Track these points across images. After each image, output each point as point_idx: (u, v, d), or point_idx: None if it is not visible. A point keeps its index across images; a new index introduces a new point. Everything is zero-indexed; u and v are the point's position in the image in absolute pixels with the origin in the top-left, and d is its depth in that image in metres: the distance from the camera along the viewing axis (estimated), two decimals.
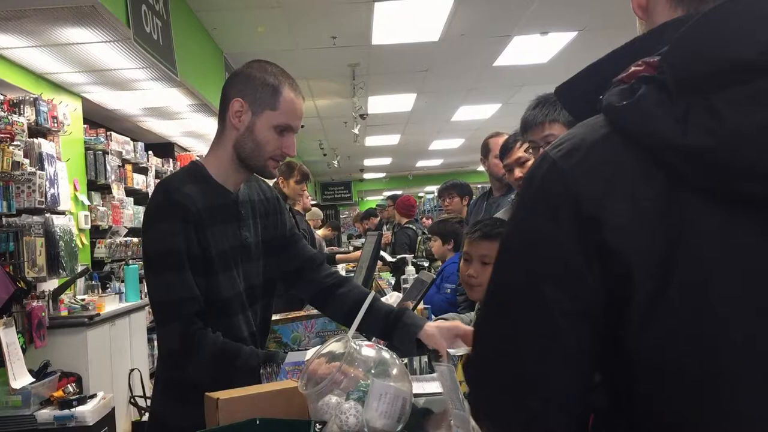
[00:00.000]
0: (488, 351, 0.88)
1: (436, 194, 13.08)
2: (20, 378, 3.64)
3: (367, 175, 20.05)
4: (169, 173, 6.56)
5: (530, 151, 2.47)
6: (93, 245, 5.35)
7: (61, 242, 4.24)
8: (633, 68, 0.82)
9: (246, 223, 1.85)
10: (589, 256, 0.78)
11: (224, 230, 1.77)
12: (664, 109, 0.76)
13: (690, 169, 0.75)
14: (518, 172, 2.94)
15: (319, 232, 7.83)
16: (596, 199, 0.78)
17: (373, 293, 1.85)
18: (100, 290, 4.79)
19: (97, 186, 5.53)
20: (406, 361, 2.34)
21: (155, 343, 4.97)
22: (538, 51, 7.17)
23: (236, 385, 1.60)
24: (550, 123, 2.31)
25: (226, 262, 1.76)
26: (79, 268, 4.54)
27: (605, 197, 0.78)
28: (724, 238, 0.75)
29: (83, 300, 4.45)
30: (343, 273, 6.07)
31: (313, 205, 8.84)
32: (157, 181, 6.49)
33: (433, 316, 3.14)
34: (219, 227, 1.75)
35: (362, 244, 6.30)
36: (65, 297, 4.35)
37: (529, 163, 2.56)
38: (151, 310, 1.86)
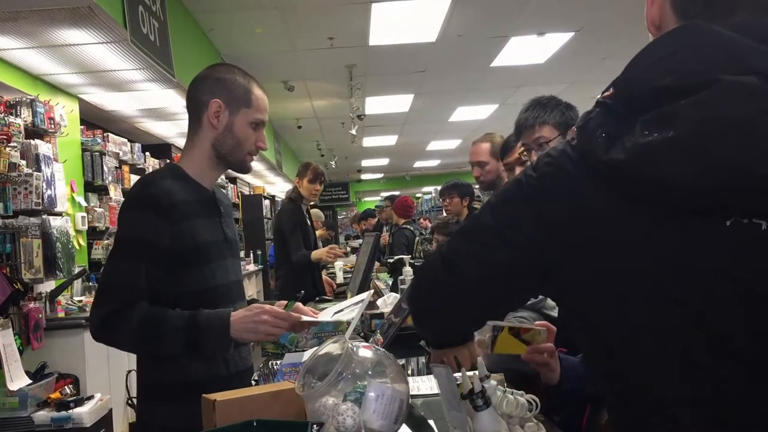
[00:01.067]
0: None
1: (434, 194, 13.08)
2: (17, 380, 3.63)
3: (364, 176, 20.05)
4: None
5: (524, 154, 2.48)
6: (90, 246, 5.34)
7: (58, 244, 4.24)
8: (604, 92, 0.99)
9: (225, 221, 1.93)
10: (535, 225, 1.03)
11: (206, 224, 1.83)
12: (603, 129, 0.95)
13: (610, 180, 0.94)
14: (518, 171, 2.95)
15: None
16: (553, 193, 1.02)
17: (371, 291, 1.85)
18: None
19: (94, 187, 5.52)
20: (403, 362, 2.34)
21: None
22: (535, 52, 7.18)
23: (162, 353, 1.70)
24: (540, 125, 2.35)
25: (206, 254, 1.81)
26: (76, 270, 4.54)
27: (554, 195, 1.01)
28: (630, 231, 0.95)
29: (80, 301, 4.44)
30: (340, 274, 6.11)
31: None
32: None
33: None
34: (200, 221, 1.81)
35: (360, 245, 6.30)
36: (62, 298, 4.34)
37: (528, 163, 2.57)
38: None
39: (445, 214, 5.41)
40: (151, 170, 6.72)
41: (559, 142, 2.33)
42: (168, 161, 7.23)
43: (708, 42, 0.91)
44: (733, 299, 0.90)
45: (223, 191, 2.07)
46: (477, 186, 4.19)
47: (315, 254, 4.74)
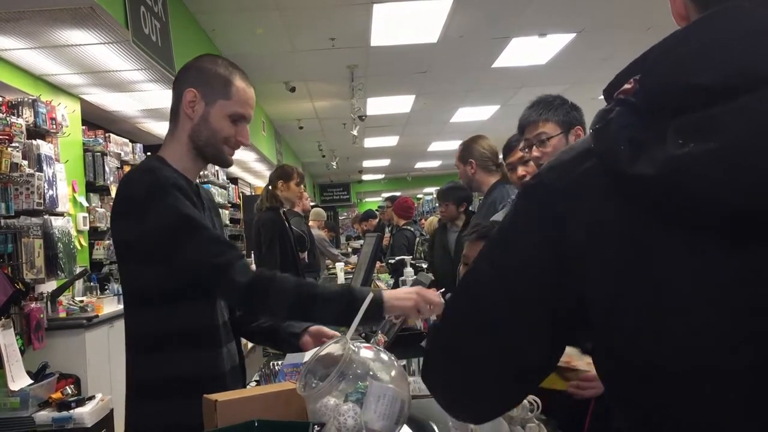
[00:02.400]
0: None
1: (435, 195, 13.09)
2: (18, 380, 3.63)
3: (365, 177, 20.05)
4: None
5: (525, 149, 2.49)
6: (91, 247, 5.34)
7: (59, 244, 4.24)
8: (626, 85, 0.83)
9: (208, 214, 1.87)
10: (547, 265, 0.85)
11: (199, 214, 1.76)
12: (627, 134, 0.78)
13: (638, 199, 0.78)
14: (521, 171, 2.96)
15: (321, 233, 7.84)
16: (566, 216, 0.83)
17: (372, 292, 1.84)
18: (99, 292, 4.79)
19: (95, 187, 5.53)
20: (404, 362, 2.34)
21: None
22: (537, 52, 7.18)
23: (316, 313, 1.67)
24: (543, 122, 2.36)
25: None
26: (78, 270, 4.54)
27: (571, 213, 0.83)
28: (670, 262, 0.77)
29: (82, 301, 4.45)
30: (342, 275, 6.11)
31: (313, 206, 8.87)
32: None
33: (432, 319, 3.14)
34: (195, 210, 1.74)
35: (361, 245, 6.30)
36: (64, 298, 4.35)
37: (531, 162, 2.57)
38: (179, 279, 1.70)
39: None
40: None
41: (560, 140, 2.34)
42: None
43: (755, 29, 0.75)
44: None
45: (205, 188, 2.00)
46: None
47: None
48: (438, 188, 5.12)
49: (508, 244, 0.90)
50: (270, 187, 4.67)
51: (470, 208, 4.88)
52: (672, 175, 0.74)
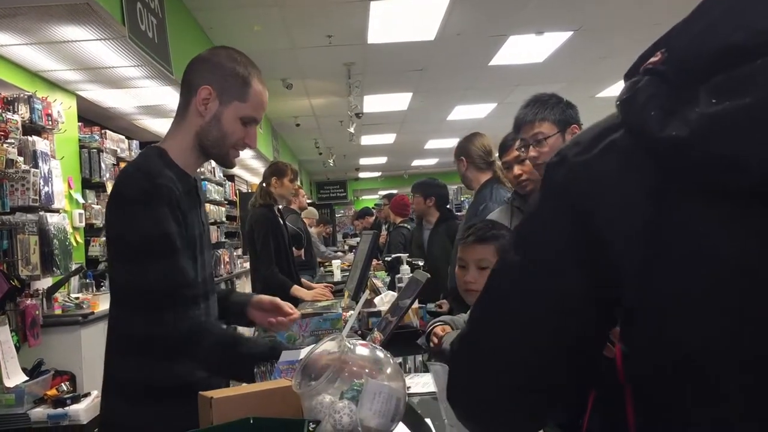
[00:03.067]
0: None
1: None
2: (14, 376, 3.63)
3: (362, 174, 20.05)
4: None
5: (522, 149, 2.49)
6: (87, 243, 5.34)
7: (55, 240, 4.23)
8: (650, 59, 0.79)
9: (202, 210, 1.85)
10: (580, 244, 0.79)
11: (194, 216, 1.75)
12: (655, 102, 0.75)
13: (671, 163, 0.73)
14: (517, 170, 2.96)
15: (312, 230, 7.84)
16: (591, 190, 0.79)
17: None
18: (95, 288, 4.78)
19: (91, 184, 5.52)
20: (400, 360, 2.34)
21: None
22: (534, 51, 7.18)
23: (238, 375, 1.64)
24: (539, 121, 2.36)
25: (198, 247, 1.75)
26: (74, 267, 4.53)
27: (600, 189, 0.78)
28: (702, 234, 0.73)
29: (77, 298, 4.44)
30: (338, 272, 6.10)
31: (308, 204, 8.88)
32: None
33: (427, 316, 3.14)
34: (190, 213, 1.73)
35: (357, 243, 6.30)
36: (59, 295, 4.34)
37: (527, 161, 2.57)
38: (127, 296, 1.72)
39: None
40: None
41: (557, 140, 2.34)
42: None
43: None
44: None
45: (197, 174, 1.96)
46: None
47: (298, 292, 4.29)
48: None
49: (537, 225, 0.85)
50: (264, 184, 4.65)
51: (447, 207, 4.85)
52: (706, 134, 0.70)
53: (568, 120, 2.37)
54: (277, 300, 2.00)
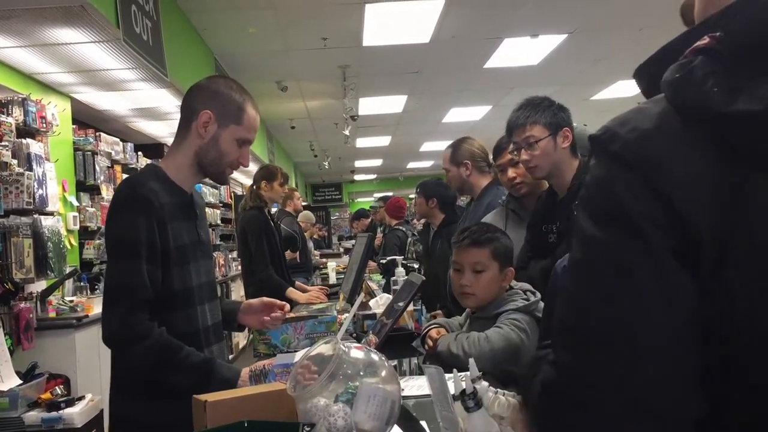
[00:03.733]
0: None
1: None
2: (8, 380, 3.61)
3: (357, 177, 20.04)
4: None
5: (515, 152, 2.49)
6: (82, 246, 5.32)
7: (49, 243, 4.22)
8: (697, 43, 0.79)
9: (200, 223, 2.01)
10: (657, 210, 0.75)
11: (183, 227, 1.90)
12: (715, 79, 0.74)
13: (739, 139, 0.72)
14: (511, 172, 2.96)
15: (307, 235, 7.83)
16: (657, 165, 0.76)
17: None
18: (89, 291, 4.76)
19: (86, 187, 5.50)
20: (395, 362, 2.34)
21: None
22: (529, 53, 7.20)
23: (172, 382, 1.73)
24: (530, 125, 2.37)
25: (185, 256, 1.88)
26: (68, 270, 4.52)
27: (666, 164, 0.76)
28: None
29: (72, 301, 4.42)
30: (333, 274, 6.09)
31: (304, 206, 8.87)
32: None
33: (423, 318, 3.14)
34: (179, 223, 1.88)
35: (353, 245, 6.30)
36: (53, 298, 4.32)
37: (521, 164, 2.57)
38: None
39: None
40: None
41: (548, 143, 2.35)
42: (159, 161, 7.20)
43: None
44: None
45: (198, 192, 2.15)
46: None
47: (293, 295, 4.27)
48: None
49: (614, 195, 0.77)
50: (254, 187, 4.67)
51: (453, 209, 4.73)
52: None
53: (559, 123, 2.38)
54: (267, 299, 2.17)
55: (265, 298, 2.18)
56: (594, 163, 0.82)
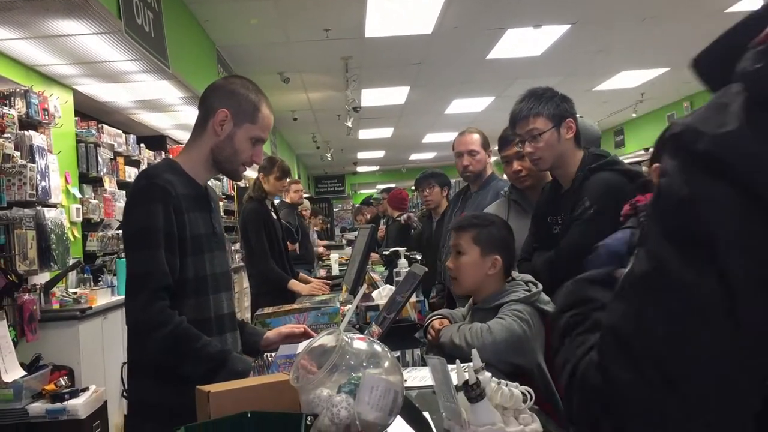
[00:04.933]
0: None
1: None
2: (12, 371, 3.63)
3: (360, 168, 20.02)
4: None
5: (519, 145, 2.49)
6: (85, 238, 5.33)
7: (52, 235, 4.22)
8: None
9: (215, 215, 2.06)
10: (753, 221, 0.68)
11: (200, 217, 1.95)
12: None
13: None
14: (516, 165, 2.95)
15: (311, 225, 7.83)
16: (755, 171, 0.68)
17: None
18: (92, 283, 4.77)
19: (88, 179, 5.50)
20: (398, 353, 2.35)
21: None
22: (532, 44, 7.17)
23: (186, 370, 1.76)
24: (534, 117, 2.36)
25: (200, 246, 1.93)
26: (71, 262, 4.52)
27: (763, 171, 0.68)
28: None
29: (75, 293, 4.43)
30: (336, 266, 6.10)
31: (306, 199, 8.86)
32: None
33: (426, 309, 3.14)
34: (195, 214, 1.93)
35: (355, 237, 6.30)
36: (57, 290, 4.33)
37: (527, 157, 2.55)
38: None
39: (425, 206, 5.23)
40: (146, 162, 6.71)
41: (552, 135, 2.34)
42: (163, 153, 7.21)
43: None
44: None
45: (212, 187, 2.20)
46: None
47: (295, 287, 4.31)
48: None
49: (682, 222, 0.71)
50: (259, 176, 4.67)
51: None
52: None
53: (562, 114, 2.37)
54: (283, 330, 2.21)
55: (281, 331, 2.21)
56: (673, 165, 0.73)
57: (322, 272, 6.25)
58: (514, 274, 2.31)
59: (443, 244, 3.76)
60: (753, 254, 0.67)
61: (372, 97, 9.30)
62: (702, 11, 6.32)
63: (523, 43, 7.09)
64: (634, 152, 13.36)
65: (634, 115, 11.70)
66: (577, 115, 2.45)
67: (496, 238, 2.26)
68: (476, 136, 3.60)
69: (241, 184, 11.82)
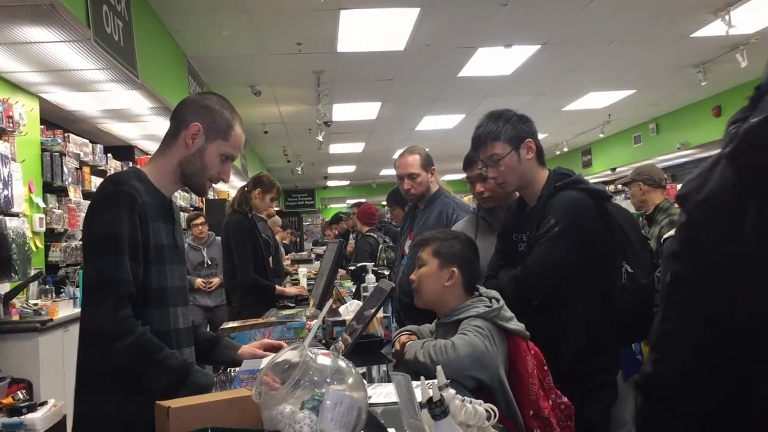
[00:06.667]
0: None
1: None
2: None
3: (330, 183, 20.00)
4: None
5: (484, 169, 2.51)
6: (47, 249, 5.23)
7: (13, 245, 4.14)
8: None
9: (177, 228, 2.04)
10: None
11: (163, 228, 1.93)
12: None
13: None
14: (479, 187, 2.97)
15: (278, 237, 7.78)
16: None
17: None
18: (54, 295, 4.68)
19: (53, 188, 5.42)
20: (364, 370, 2.33)
21: None
22: (502, 63, 7.25)
23: (147, 381, 1.72)
24: (491, 142, 2.41)
25: (162, 256, 1.90)
26: (32, 272, 4.44)
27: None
28: None
29: (36, 305, 4.34)
30: (304, 280, 6.06)
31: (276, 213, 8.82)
32: None
33: (393, 326, 3.13)
34: (159, 224, 1.91)
35: (324, 251, 6.27)
36: (17, 301, 4.24)
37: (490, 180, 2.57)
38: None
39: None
40: (113, 172, 6.62)
41: (511, 158, 2.37)
42: (131, 163, 7.12)
43: None
44: None
45: (175, 201, 2.17)
46: None
47: (284, 291, 4.56)
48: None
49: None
50: (246, 189, 4.65)
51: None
52: None
53: (520, 135, 2.40)
54: (256, 350, 2.17)
55: (254, 350, 2.17)
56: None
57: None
58: (482, 290, 2.32)
59: (397, 263, 3.78)
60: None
61: (343, 111, 9.31)
62: (668, 36, 6.46)
63: (494, 62, 7.17)
64: (601, 172, 13.55)
65: (601, 135, 11.88)
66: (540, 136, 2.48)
67: (455, 251, 2.29)
68: (416, 158, 3.62)
69: (210, 195, 11.73)
